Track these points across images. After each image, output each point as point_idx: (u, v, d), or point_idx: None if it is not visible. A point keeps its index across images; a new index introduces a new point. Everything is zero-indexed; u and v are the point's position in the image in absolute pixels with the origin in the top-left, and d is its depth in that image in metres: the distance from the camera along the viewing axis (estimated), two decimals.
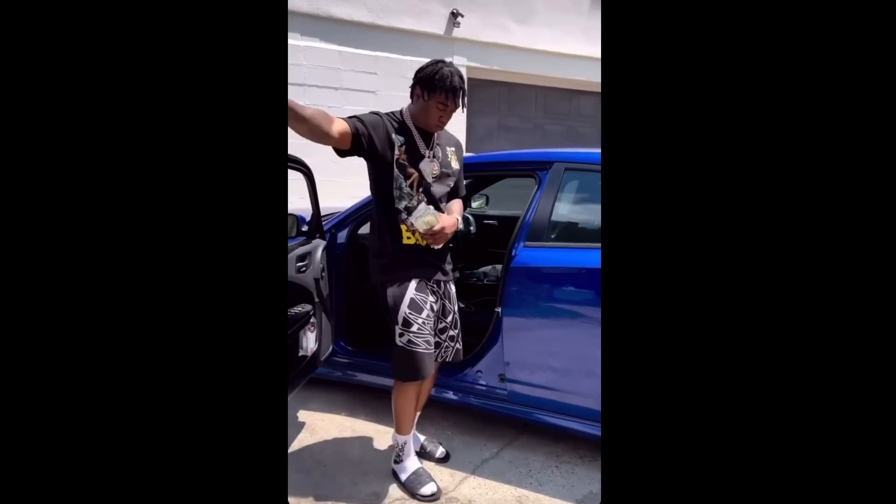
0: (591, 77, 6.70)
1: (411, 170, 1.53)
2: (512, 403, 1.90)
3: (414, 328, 1.54)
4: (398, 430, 1.72)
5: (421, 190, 1.55)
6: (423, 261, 1.60)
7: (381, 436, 2.04)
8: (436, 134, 1.60)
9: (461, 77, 1.49)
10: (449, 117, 1.55)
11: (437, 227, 1.50)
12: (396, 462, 1.74)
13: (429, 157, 1.57)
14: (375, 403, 2.27)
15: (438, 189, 1.61)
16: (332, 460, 1.86)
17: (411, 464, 1.72)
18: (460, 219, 1.65)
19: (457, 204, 1.70)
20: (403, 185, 1.52)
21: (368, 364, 2.20)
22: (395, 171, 1.51)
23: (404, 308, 1.54)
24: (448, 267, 1.69)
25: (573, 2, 6.30)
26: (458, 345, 1.75)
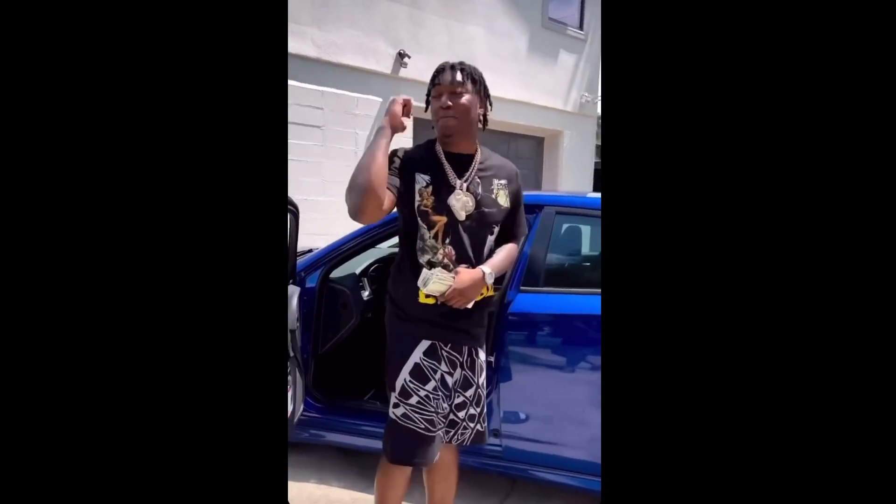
0: (529, 122, 6.99)
1: (435, 218, 1.27)
2: (506, 461, 1.77)
3: (413, 401, 1.25)
4: None
5: (448, 241, 1.28)
6: (442, 320, 1.29)
7: None
8: (477, 160, 1.34)
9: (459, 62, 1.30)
10: (457, 104, 1.27)
11: (448, 293, 1.24)
12: None
13: (460, 188, 1.28)
14: (348, 468, 2.04)
15: (475, 232, 1.30)
16: None
17: None
18: (489, 273, 1.30)
19: (505, 251, 1.39)
20: (427, 235, 1.27)
21: (340, 422, 1.98)
22: (419, 219, 1.28)
23: (405, 375, 1.26)
24: (479, 330, 1.38)
25: (512, 50, 6.61)
26: (478, 426, 1.39)
